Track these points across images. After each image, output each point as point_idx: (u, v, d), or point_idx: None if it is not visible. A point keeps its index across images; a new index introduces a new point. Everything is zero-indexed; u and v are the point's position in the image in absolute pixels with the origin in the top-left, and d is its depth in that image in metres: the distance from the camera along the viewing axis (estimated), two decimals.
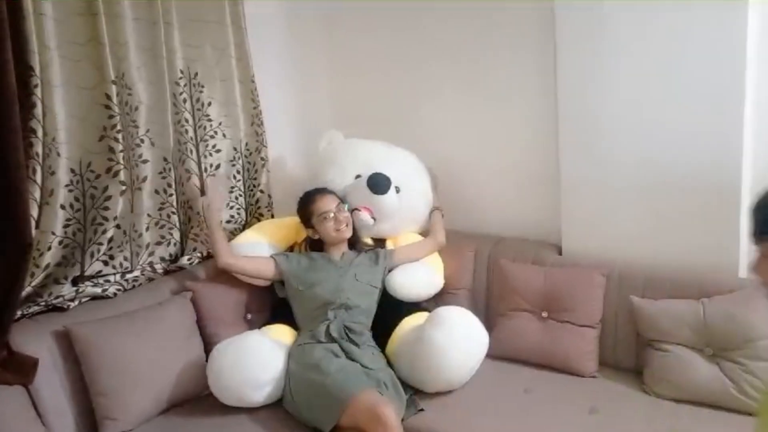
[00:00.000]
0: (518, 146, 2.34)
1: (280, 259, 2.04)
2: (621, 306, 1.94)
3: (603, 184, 2.03)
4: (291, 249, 2.18)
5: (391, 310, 2.02)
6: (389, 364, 1.92)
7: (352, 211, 2.11)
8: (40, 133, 1.66)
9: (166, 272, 2.10)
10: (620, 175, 1.99)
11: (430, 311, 1.95)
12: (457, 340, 1.78)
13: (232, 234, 2.30)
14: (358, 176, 2.16)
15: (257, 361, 1.77)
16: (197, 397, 1.83)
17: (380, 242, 2.20)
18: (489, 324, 1.97)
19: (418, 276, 2.11)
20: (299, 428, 1.73)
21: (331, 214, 2.01)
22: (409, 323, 1.97)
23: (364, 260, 2.07)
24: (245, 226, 2.35)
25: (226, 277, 2.09)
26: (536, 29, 2.17)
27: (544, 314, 1.99)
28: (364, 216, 2.11)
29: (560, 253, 2.17)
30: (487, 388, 1.84)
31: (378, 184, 2.07)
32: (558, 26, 1.99)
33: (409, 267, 2.11)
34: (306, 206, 2.07)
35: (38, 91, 1.63)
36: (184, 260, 2.16)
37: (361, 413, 1.60)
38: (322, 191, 2.08)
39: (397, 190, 2.14)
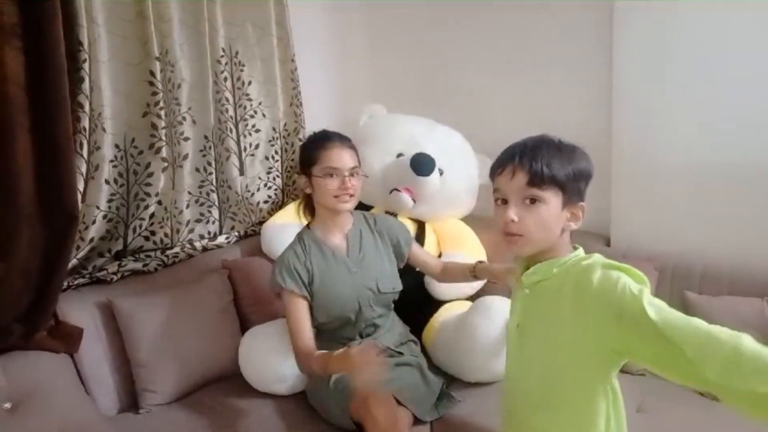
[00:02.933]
0: (566, 128, 2.23)
1: (293, 288, 1.59)
2: (674, 301, 1.80)
3: (656, 170, 1.94)
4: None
5: (426, 297, 1.99)
6: (423, 351, 1.87)
7: (391, 191, 2.03)
8: (87, 108, 1.68)
9: (205, 250, 2.12)
10: (675, 162, 1.91)
11: (470, 298, 1.91)
12: (503, 329, 1.73)
13: (269, 214, 2.31)
14: (400, 155, 2.10)
15: (285, 353, 1.69)
16: (233, 375, 1.83)
17: (420, 225, 2.14)
18: None
19: None
20: (324, 423, 1.65)
21: (343, 174, 1.57)
22: (448, 311, 1.93)
23: (374, 243, 1.71)
24: (281, 207, 2.35)
25: (262, 256, 2.11)
26: (594, 11, 2.07)
27: None
28: (405, 197, 2.04)
29: (608, 244, 2.09)
30: None
31: (422, 165, 1.99)
32: (616, 12, 1.91)
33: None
34: (312, 149, 1.62)
35: (86, 66, 1.65)
36: (221, 238, 2.18)
37: (356, 410, 1.47)
38: (341, 140, 1.63)
39: (441, 173, 2.07)
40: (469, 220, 2.24)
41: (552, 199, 1.07)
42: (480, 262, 1.74)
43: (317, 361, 1.52)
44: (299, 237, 1.69)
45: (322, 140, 1.63)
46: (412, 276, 1.92)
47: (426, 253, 1.88)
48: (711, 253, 1.86)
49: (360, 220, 1.75)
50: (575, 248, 1.14)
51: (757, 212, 1.80)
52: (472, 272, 1.69)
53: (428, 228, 2.15)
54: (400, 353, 1.71)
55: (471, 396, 1.75)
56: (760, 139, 1.77)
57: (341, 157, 1.59)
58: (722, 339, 0.90)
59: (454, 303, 1.99)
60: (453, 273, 1.78)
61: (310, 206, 1.70)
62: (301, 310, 1.59)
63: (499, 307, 1.78)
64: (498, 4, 2.31)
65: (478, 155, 2.25)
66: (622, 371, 1.77)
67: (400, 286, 1.75)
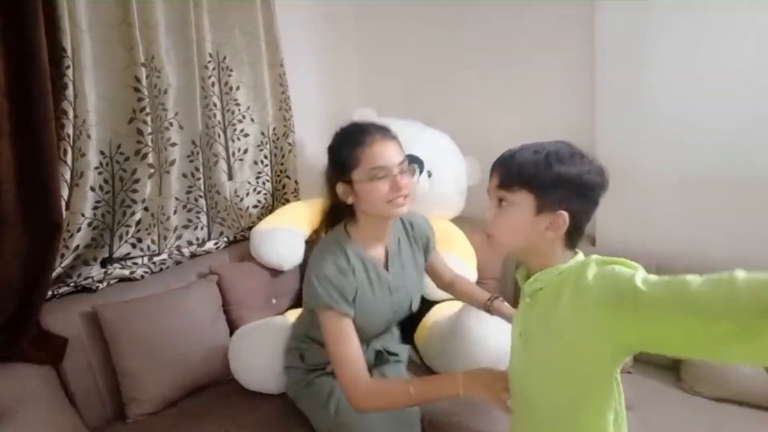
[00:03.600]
0: (550, 132, 2.24)
1: (346, 310, 1.34)
2: None
3: (642, 172, 1.95)
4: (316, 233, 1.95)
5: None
6: (416, 351, 1.86)
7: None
8: (71, 115, 1.66)
9: (193, 256, 2.10)
10: (661, 164, 1.92)
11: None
12: (495, 330, 1.72)
13: (258, 219, 2.30)
14: None
15: (278, 348, 1.71)
16: (223, 381, 1.83)
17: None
18: None
19: None
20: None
21: (394, 171, 1.30)
22: (440, 312, 1.93)
23: (411, 254, 1.52)
24: (271, 211, 2.34)
25: (251, 261, 2.09)
26: (575, 11, 2.10)
27: None
28: None
29: (593, 244, 2.11)
30: None
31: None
32: (597, 16, 1.92)
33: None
34: (348, 149, 1.32)
35: (70, 73, 1.63)
36: (210, 244, 2.16)
37: None
38: (382, 132, 1.34)
39: (429, 174, 2.08)
40: (458, 221, 2.24)
41: (523, 202, 1.04)
42: (496, 297, 1.57)
43: (406, 390, 1.25)
44: (340, 248, 1.39)
45: (358, 136, 1.32)
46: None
47: (443, 264, 1.70)
48: (695, 256, 1.87)
49: (398, 227, 1.52)
50: (576, 254, 1.11)
51: (741, 216, 1.82)
52: (487, 307, 1.56)
53: None
54: (399, 361, 1.69)
55: (463, 400, 1.73)
56: (745, 144, 1.78)
57: (387, 152, 1.30)
58: (722, 281, 0.87)
59: (446, 303, 1.98)
60: (462, 294, 1.65)
61: (337, 215, 1.43)
62: (352, 333, 1.32)
63: None
64: (485, 8, 2.33)
65: (466, 157, 2.26)
66: None
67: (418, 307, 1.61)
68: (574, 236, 1.08)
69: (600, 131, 2.01)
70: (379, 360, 1.63)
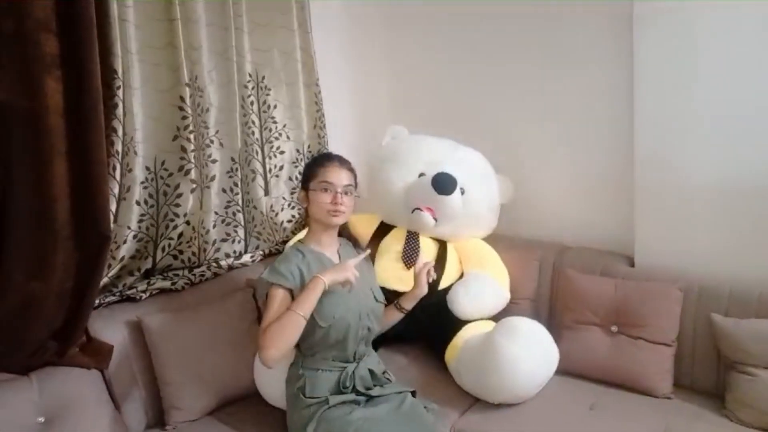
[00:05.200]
0: (589, 148, 2.25)
1: (280, 281, 1.59)
2: (700, 324, 1.82)
3: (682, 190, 1.91)
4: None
5: (449, 316, 1.99)
6: (445, 370, 1.87)
7: (413, 210, 2.05)
8: (120, 132, 1.75)
9: (230, 268, 2.17)
10: (701, 181, 1.87)
11: (493, 319, 1.90)
12: (528, 351, 1.73)
13: (292, 233, 2.36)
14: (421, 174, 2.11)
15: None
16: (258, 393, 1.85)
17: (442, 245, 2.15)
18: (553, 336, 1.88)
19: (486, 297, 2.02)
20: None
21: (336, 189, 1.65)
22: (472, 331, 1.93)
23: (361, 263, 1.72)
24: (304, 226, 2.39)
25: None
26: (613, 24, 2.07)
27: (614, 329, 1.90)
28: (426, 216, 2.05)
29: (632, 265, 2.06)
30: (550, 403, 1.77)
31: (443, 184, 2.00)
32: (636, 24, 1.90)
33: (473, 283, 2.03)
34: (312, 166, 1.73)
35: (120, 93, 1.73)
36: (247, 257, 2.22)
37: None
38: (341, 161, 1.73)
39: (462, 192, 2.08)
40: (491, 239, 2.24)
41: None
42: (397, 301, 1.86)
43: (288, 314, 1.50)
44: (294, 248, 1.72)
45: (322, 159, 1.75)
46: (434, 295, 1.94)
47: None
48: (739, 274, 1.82)
49: (345, 243, 1.83)
50: None
51: None
52: (398, 306, 1.85)
53: (450, 247, 2.15)
54: (389, 380, 1.72)
55: (493, 419, 1.74)
56: None
57: (337, 175, 1.68)
58: None
59: (478, 322, 1.98)
60: (386, 316, 1.83)
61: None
62: (281, 301, 1.57)
63: (524, 328, 1.78)
64: (518, 25, 2.33)
65: (499, 175, 2.26)
66: (646, 393, 1.78)
67: (385, 301, 1.82)
68: None
69: (640, 147, 1.98)
70: (375, 380, 1.67)
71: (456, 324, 1.98)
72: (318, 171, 1.69)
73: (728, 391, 1.71)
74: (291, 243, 2.21)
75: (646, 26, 1.88)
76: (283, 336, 1.49)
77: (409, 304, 1.85)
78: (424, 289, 1.82)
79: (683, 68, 1.84)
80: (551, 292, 2.15)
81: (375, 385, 1.67)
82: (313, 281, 1.54)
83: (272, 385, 1.78)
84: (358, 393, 1.63)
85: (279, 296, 1.58)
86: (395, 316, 1.85)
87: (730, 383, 1.71)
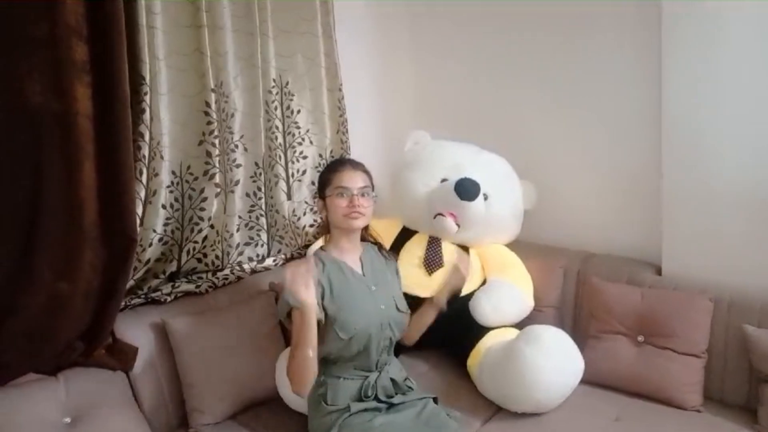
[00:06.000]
0: (615, 153, 2.21)
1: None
2: (732, 335, 1.77)
3: (712, 196, 1.86)
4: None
5: (471, 323, 1.97)
6: (467, 378, 1.85)
7: (435, 216, 2.04)
8: (147, 137, 1.78)
9: (253, 272, 2.18)
10: (732, 187, 1.83)
11: (516, 326, 1.87)
12: (553, 361, 1.70)
13: (314, 238, 2.36)
14: (444, 180, 2.10)
15: None
16: (280, 397, 1.84)
17: (464, 250, 2.13)
18: (577, 346, 1.84)
19: (509, 304, 2.00)
20: None
21: (352, 192, 1.63)
22: (495, 338, 1.91)
23: (385, 270, 1.75)
24: (321, 235, 2.39)
25: None
26: (640, 30, 2.04)
27: (640, 338, 1.86)
28: (449, 222, 2.03)
29: (659, 273, 2.02)
30: (574, 414, 1.74)
31: (466, 189, 1.99)
32: (664, 29, 1.86)
33: (495, 290, 2.01)
34: (325, 174, 1.71)
35: (147, 98, 1.76)
36: (269, 261, 2.23)
37: None
38: (353, 164, 1.71)
39: (485, 197, 2.06)
40: (514, 245, 2.21)
41: None
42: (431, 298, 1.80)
43: (288, 351, 1.52)
44: (314, 257, 1.69)
45: (335, 165, 1.73)
46: (457, 301, 1.91)
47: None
48: None
49: (369, 248, 1.80)
50: None
51: None
52: (431, 303, 1.78)
53: (473, 253, 2.13)
54: (410, 388, 1.69)
55: (515, 428, 1.72)
56: None
57: (351, 178, 1.66)
58: None
59: (501, 330, 1.96)
60: (413, 320, 1.78)
61: (328, 230, 1.74)
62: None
63: (549, 337, 1.75)
64: (544, 28, 2.31)
65: (523, 181, 2.23)
66: (673, 405, 1.74)
67: (408, 310, 1.77)
68: None
69: (668, 151, 1.93)
70: (397, 389, 1.65)
71: (478, 331, 1.95)
72: (332, 177, 1.67)
73: (761, 405, 1.66)
74: (312, 250, 2.22)
75: (674, 28, 1.85)
76: (302, 376, 1.47)
77: (442, 298, 1.77)
78: (464, 278, 1.79)
79: (713, 70, 1.80)
80: (576, 300, 2.12)
81: (397, 393, 1.65)
82: (294, 315, 1.47)
83: (288, 394, 1.77)
84: (380, 401, 1.61)
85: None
86: (430, 316, 1.78)
87: (762, 397, 1.66)
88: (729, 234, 1.86)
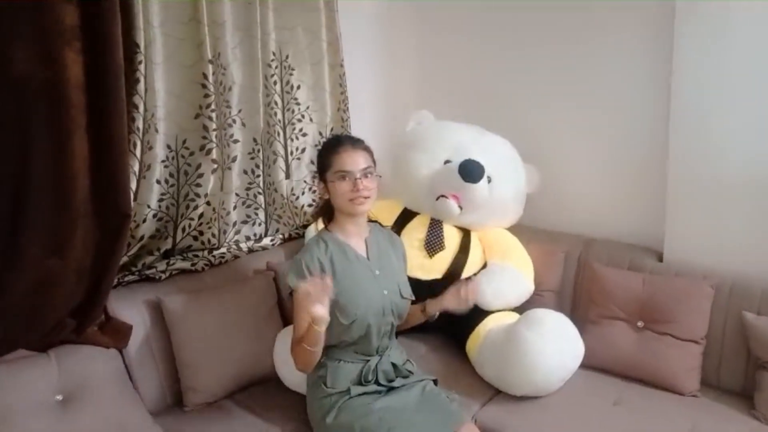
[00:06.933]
0: (620, 138, 2.17)
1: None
2: (731, 322, 1.78)
3: (716, 184, 1.85)
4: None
5: (472, 308, 1.94)
6: (467, 361, 1.84)
7: (438, 197, 2.00)
8: (141, 109, 1.72)
9: (250, 251, 2.14)
10: (736, 176, 1.81)
11: (516, 310, 1.85)
12: (553, 344, 1.69)
13: (313, 217, 2.31)
14: (447, 161, 2.06)
15: None
16: (277, 377, 1.83)
17: (466, 234, 2.10)
18: (577, 330, 1.83)
19: (509, 288, 1.98)
20: None
21: (355, 175, 1.55)
22: (495, 321, 1.89)
23: (390, 254, 1.69)
24: (320, 215, 2.34)
25: None
26: (652, 16, 1.99)
27: (640, 324, 1.85)
28: (452, 204, 2.00)
29: (661, 260, 2.00)
30: (573, 397, 1.74)
31: (470, 171, 1.95)
32: (678, 16, 1.82)
33: (496, 273, 1.99)
34: (325, 155, 1.61)
35: (142, 68, 1.69)
36: (266, 240, 2.19)
37: None
38: (353, 142, 1.61)
39: (489, 180, 2.02)
40: (516, 229, 2.19)
41: None
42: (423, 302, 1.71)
43: (294, 342, 1.50)
44: (318, 237, 1.63)
45: (333, 145, 1.61)
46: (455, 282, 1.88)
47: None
48: None
49: (377, 230, 1.74)
50: None
51: None
52: (423, 310, 1.70)
53: (474, 237, 2.11)
54: (411, 372, 1.67)
55: (515, 411, 1.71)
56: None
57: (353, 159, 1.56)
58: None
59: (500, 313, 1.95)
60: (408, 317, 1.73)
61: (328, 212, 1.67)
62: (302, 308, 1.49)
63: (550, 321, 1.75)
64: (551, 10, 2.25)
65: (526, 165, 2.20)
66: (671, 390, 1.73)
67: (413, 296, 1.71)
68: None
69: (675, 139, 1.91)
70: (398, 372, 1.62)
71: (478, 314, 1.93)
72: (332, 159, 1.57)
73: (758, 391, 1.67)
74: (310, 231, 2.18)
75: (687, 18, 1.81)
76: (306, 363, 1.51)
77: (433, 309, 1.68)
78: (452, 305, 1.62)
79: (723, 62, 1.77)
80: (576, 285, 2.11)
81: (397, 377, 1.63)
82: (295, 297, 1.51)
83: (292, 370, 1.74)
84: (380, 384, 1.59)
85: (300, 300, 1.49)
86: (417, 319, 1.73)
87: (760, 383, 1.67)
88: (731, 222, 1.85)
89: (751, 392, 1.70)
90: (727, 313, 1.78)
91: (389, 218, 2.11)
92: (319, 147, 1.61)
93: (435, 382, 1.67)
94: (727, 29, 1.75)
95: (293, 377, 1.76)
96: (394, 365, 1.63)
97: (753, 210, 1.80)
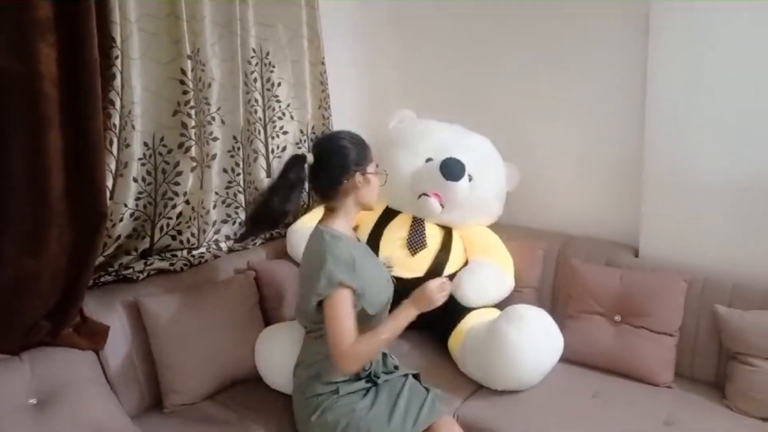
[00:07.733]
0: (598, 139, 2.21)
1: (351, 283, 1.46)
2: (703, 315, 1.82)
3: (690, 184, 1.90)
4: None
5: (453, 303, 1.92)
6: (448, 357, 1.85)
7: (420, 196, 2.01)
8: (118, 105, 1.68)
9: (230, 251, 2.11)
10: (709, 177, 1.86)
11: (497, 307, 1.86)
12: (534, 339, 1.71)
13: (294, 217, 2.29)
14: (429, 160, 2.08)
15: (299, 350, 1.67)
16: (259, 376, 1.81)
17: (447, 231, 2.11)
18: (557, 325, 1.85)
19: (490, 285, 1.99)
20: None
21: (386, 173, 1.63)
22: (476, 318, 1.90)
23: (369, 254, 1.71)
24: (306, 211, 2.33)
25: (287, 259, 2.10)
26: (627, 18, 2.03)
27: (617, 318, 1.88)
28: (433, 202, 2.01)
29: (636, 255, 2.04)
30: (553, 391, 1.77)
31: (452, 169, 1.97)
32: (652, 21, 1.86)
33: (477, 270, 2.00)
34: (366, 148, 1.58)
35: (118, 63, 1.65)
36: (247, 240, 2.16)
37: None
38: None
39: (470, 178, 2.04)
40: (496, 227, 2.21)
41: None
42: None
43: (379, 339, 1.45)
44: (328, 234, 1.53)
45: (365, 141, 1.61)
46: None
47: None
48: (743, 267, 1.81)
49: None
50: None
51: None
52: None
53: (455, 235, 2.12)
54: (396, 367, 1.68)
55: (496, 405, 1.73)
56: None
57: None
58: None
59: (482, 310, 1.96)
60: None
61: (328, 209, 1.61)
62: (350, 306, 1.47)
63: (530, 316, 1.76)
64: (531, 10, 2.27)
65: (506, 163, 2.22)
66: (647, 382, 1.77)
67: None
68: None
69: (649, 141, 1.95)
70: (385, 367, 1.63)
71: (460, 311, 1.95)
72: (371, 154, 1.58)
73: (729, 382, 1.72)
74: (297, 229, 2.14)
75: (661, 23, 1.85)
76: (370, 356, 1.51)
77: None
78: (430, 303, 1.53)
79: (696, 66, 1.81)
80: (555, 281, 2.14)
81: (383, 372, 1.63)
82: (407, 312, 1.50)
83: (275, 370, 1.75)
84: (368, 381, 1.58)
85: (348, 301, 1.46)
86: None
87: (731, 374, 1.72)
88: (704, 219, 1.90)
89: (722, 383, 1.74)
90: (700, 306, 1.82)
91: (371, 217, 2.10)
92: (348, 141, 1.55)
93: (417, 376, 1.67)
94: (701, 31, 1.79)
95: (275, 377, 1.75)
96: (384, 355, 1.64)
97: (725, 208, 1.85)
